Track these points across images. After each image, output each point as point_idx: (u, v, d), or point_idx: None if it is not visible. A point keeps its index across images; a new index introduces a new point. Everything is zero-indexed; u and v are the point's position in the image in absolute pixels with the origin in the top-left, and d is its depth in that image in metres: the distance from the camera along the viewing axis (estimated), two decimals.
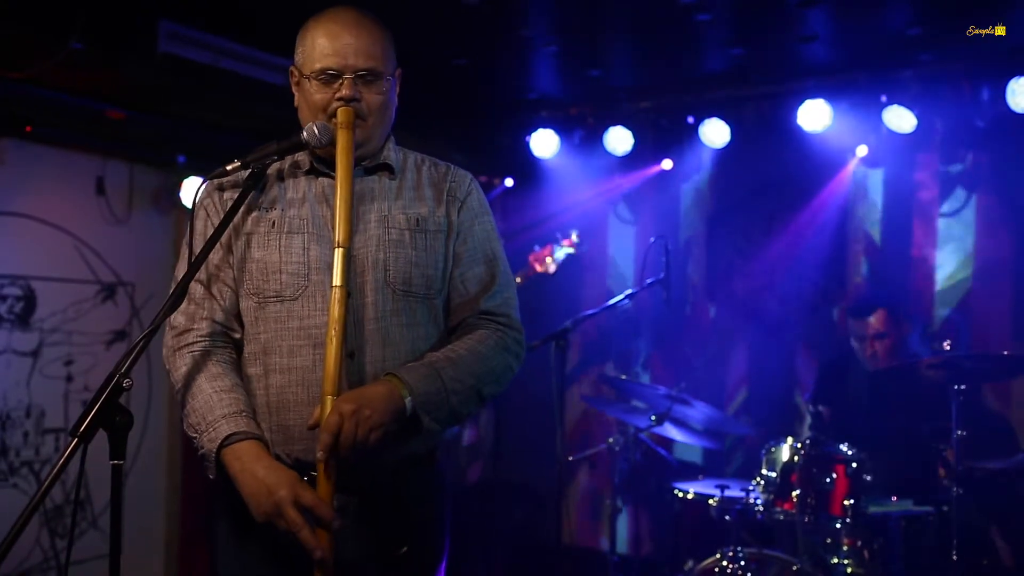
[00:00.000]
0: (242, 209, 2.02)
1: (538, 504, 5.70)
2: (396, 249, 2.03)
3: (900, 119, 4.65)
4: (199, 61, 4.03)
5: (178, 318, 2.02)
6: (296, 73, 2.09)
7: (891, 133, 4.76)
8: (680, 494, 4.17)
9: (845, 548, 3.77)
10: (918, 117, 4.65)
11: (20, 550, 4.39)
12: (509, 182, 6.04)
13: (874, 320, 4.19)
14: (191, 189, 4.58)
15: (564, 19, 4.32)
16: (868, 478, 3.77)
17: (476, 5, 3.95)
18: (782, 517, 3.81)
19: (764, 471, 3.91)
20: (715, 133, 5.12)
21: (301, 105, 2.09)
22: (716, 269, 5.62)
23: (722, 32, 4.39)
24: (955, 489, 3.58)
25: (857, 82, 4.78)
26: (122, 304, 4.97)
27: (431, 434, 1.98)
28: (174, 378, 2.01)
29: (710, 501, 4.02)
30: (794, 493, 3.76)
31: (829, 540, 3.79)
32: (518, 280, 4.51)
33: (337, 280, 1.89)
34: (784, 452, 3.86)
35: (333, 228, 1.96)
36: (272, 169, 2.09)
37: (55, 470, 1.64)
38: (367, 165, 2.09)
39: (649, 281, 3.99)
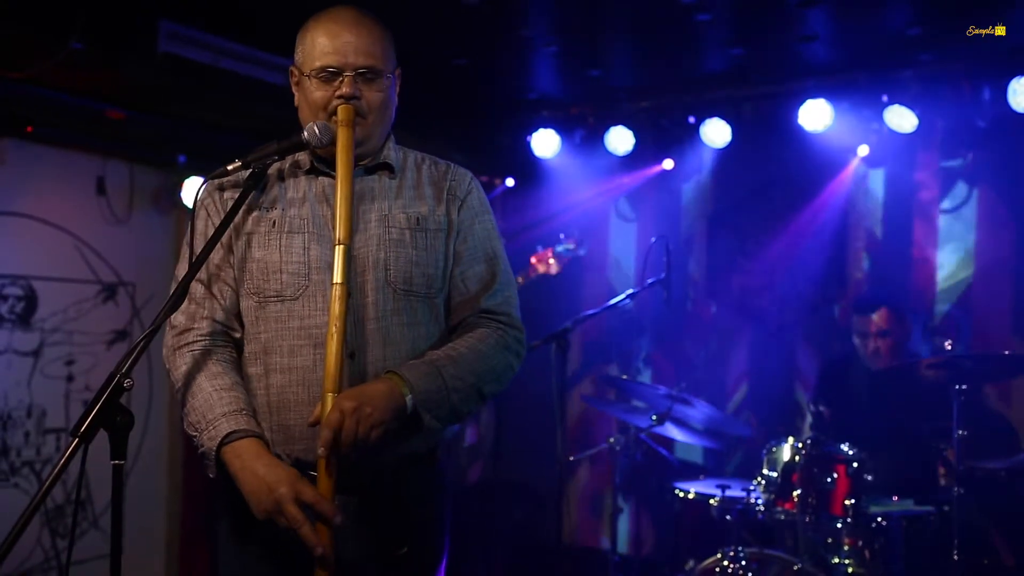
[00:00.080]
0: (243, 209, 2.02)
1: (539, 504, 5.70)
2: (397, 248, 2.03)
3: (901, 119, 4.66)
4: (199, 61, 4.03)
5: (179, 317, 2.02)
6: (296, 73, 2.09)
7: (892, 133, 4.76)
8: (681, 494, 4.17)
9: (846, 548, 3.77)
10: (919, 117, 4.65)
11: (21, 550, 4.39)
12: (510, 182, 6.04)
13: (877, 317, 4.19)
14: (192, 189, 4.59)
15: (564, 19, 4.32)
16: (869, 478, 3.77)
17: (476, 5, 3.95)
18: (783, 517, 3.82)
19: (765, 471, 3.91)
20: (716, 133, 5.12)
21: (301, 104, 2.09)
22: (717, 269, 5.62)
23: (722, 32, 4.39)
24: (956, 489, 3.58)
25: (858, 82, 4.78)
26: (123, 304, 4.97)
27: (431, 432, 1.98)
28: (174, 377, 2.01)
29: (711, 501, 4.03)
30: (795, 493, 3.76)
31: (830, 540, 3.79)
32: (520, 280, 4.50)
33: (338, 277, 1.89)
34: (785, 452, 3.86)
35: (333, 227, 1.96)
36: (273, 169, 2.09)
37: (56, 470, 1.64)
38: (367, 164, 2.09)
39: (650, 281, 3.99)
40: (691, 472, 5.07)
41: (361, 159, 2.07)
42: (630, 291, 4.13)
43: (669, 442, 5.11)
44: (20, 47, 3.64)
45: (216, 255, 2.03)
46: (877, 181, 5.15)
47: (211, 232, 2.00)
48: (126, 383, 1.74)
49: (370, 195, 2.07)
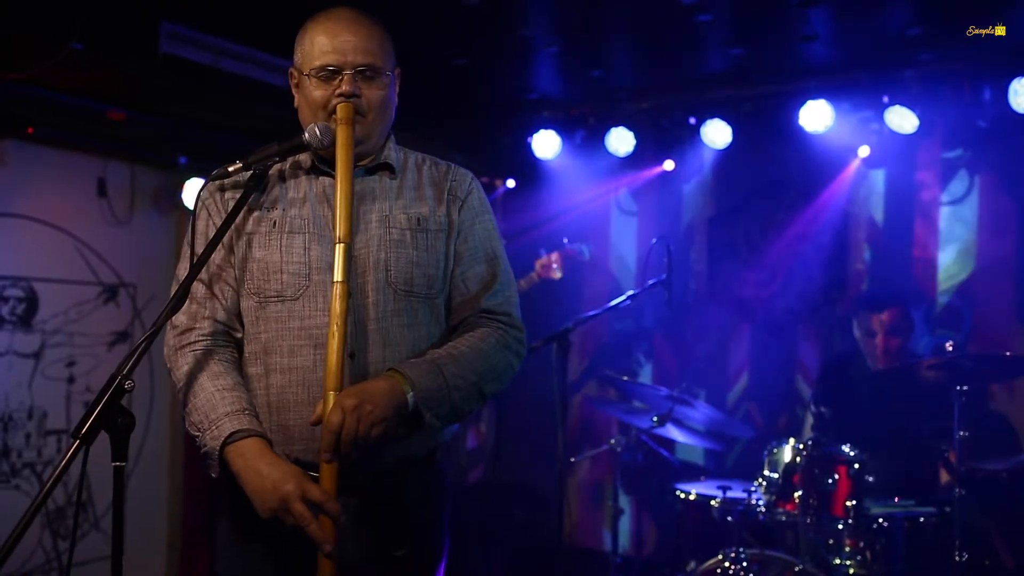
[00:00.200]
0: (244, 209, 2.02)
1: (539, 504, 5.69)
2: (397, 249, 2.03)
3: (902, 119, 4.65)
4: (199, 61, 4.03)
5: (180, 317, 2.02)
6: (296, 74, 2.10)
7: (893, 133, 4.76)
8: (682, 495, 4.17)
9: (847, 549, 3.76)
10: (920, 117, 4.64)
11: (22, 551, 4.39)
12: (510, 183, 6.04)
13: (888, 316, 4.19)
14: (192, 190, 4.59)
15: (565, 19, 4.32)
16: (870, 479, 3.77)
17: (476, 5, 3.95)
18: (784, 518, 3.81)
19: (766, 472, 3.91)
20: (716, 134, 5.12)
21: (301, 105, 2.09)
22: (718, 269, 5.62)
23: (723, 32, 4.39)
24: (957, 490, 3.58)
25: (858, 82, 4.78)
26: (124, 305, 4.97)
27: (432, 431, 1.98)
28: (176, 377, 2.01)
29: (712, 502, 4.02)
30: (796, 494, 3.75)
31: (831, 541, 3.78)
32: (522, 284, 4.48)
33: (338, 276, 1.89)
34: (786, 453, 3.85)
35: (334, 228, 1.96)
36: (274, 169, 2.09)
37: (57, 472, 1.64)
38: (368, 164, 2.09)
39: (651, 282, 3.99)
40: (692, 473, 5.07)
41: (361, 158, 2.07)
42: (631, 292, 4.13)
43: (670, 443, 5.11)
44: (20, 48, 3.65)
45: (217, 255, 2.03)
46: (878, 181, 5.15)
47: (212, 232, 2.00)
48: (127, 384, 1.73)
49: (371, 195, 2.07)
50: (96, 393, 1.72)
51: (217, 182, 2.09)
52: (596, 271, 5.88)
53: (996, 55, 4.39)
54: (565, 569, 5.20)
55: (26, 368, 4.56)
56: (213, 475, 1.96)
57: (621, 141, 5.35)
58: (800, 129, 4.83)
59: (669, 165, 5.58)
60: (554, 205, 5.88)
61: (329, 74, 2.01)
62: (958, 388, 3.58)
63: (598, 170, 5.66)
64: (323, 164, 2.07)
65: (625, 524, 5.48)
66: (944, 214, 4.94)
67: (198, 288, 2.03)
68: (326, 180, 2.07)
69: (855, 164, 5.11)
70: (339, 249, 1.91)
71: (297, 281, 2.00)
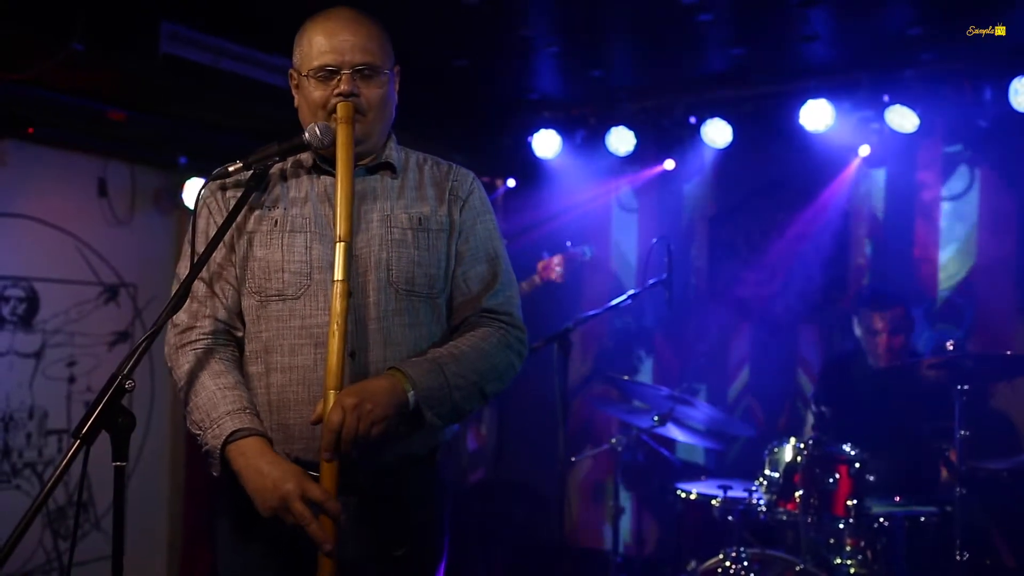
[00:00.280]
0: (245, 208, 2.02)
1: (540, 504, 5.69)
2: (399, 248, 2.03)
3: (902, 119, 4.65)
4: (199, 62, 4.04)
5: (181, 316, 2.02)
6: (295, 75, 2.10)
7: (893, 133, 4.76)
8: (683, 494, 4.17)
9: (848, 548, 3.76)
10: (920, 117, 4.64)
11: (23, 551, 4.39)
12: (511, 183, 6.04)
13: (890, 316, 4.19)
14: (193, 190, 4.59)
15: (565, 19, 4.32)
16: (871, 478, 3.77)
17: (476, 5, 3.95)
18: (785, 517, 3.81)
19: (767, 471, 3.91)
20: (717, 133, 5.12)
21: (301, 106, 2.10)
22: (719, 269, 5.62)
23: (723, 32, 4.39)
24: (958, 489, 3.58)
25: (859, 82, 4.78)
26: (124, 305, 4.97)
27: (432, 430, 1.98)
28: (177, 376, 2.01)
29: (713, 501, 4.02)
30: (797, 493, 3.75)
31: (832, 540, 3.78)
32: (524, 287, 4.47)
33: (339, 275, 1.89)
34: (787, 452, 3.85)
35: (335, 227, 1.96)
36: (275, 168, 2.09)
37: (58, 472, 1.64)
38: (369, 164, 2.09)
39: (651, 282, 3.99)
40: (693, 473, 5.07)
41: (362, 158, 2.07)
42: (631, 292, 4.13)
43: (671, 443, 5.11)
44: (21, 48, 3.65)
45: (218, 254, 2.03)
46: (878, 181, 5.15)
47: (213, 231, 2.00)
48: (128, 384, 1.73)
49: (372, 195, 2.07)
50: (97, 393, 1.72)
51: (218, 181, 2.09)
52: (597, 271, 5.88)
53: (996, 55, 4.40)
54: (566, 568, 5.20)
55: (27, 368, 4.56)
56: (214, 474, 1.96)
57: (621, 141, 5.34)
58: (801, 128, 4.82)
59: (670, 165, 5.58)
60: (554, 205, 5.88)
61: (328, 74, 2.01)
62: (959, 387, 3.58)
63: (599, 170, 5.66)
64: (324, 163, 2.07)
65: (626, 523, 5.48)
66: (945, 211, 4.94)
67: (199, 287, 2.03)
68: (327, 179, 2.07)
69: (856, 163, 5.11)
70: (339, 248, 1.91)
71: (298, 280, 2.00)
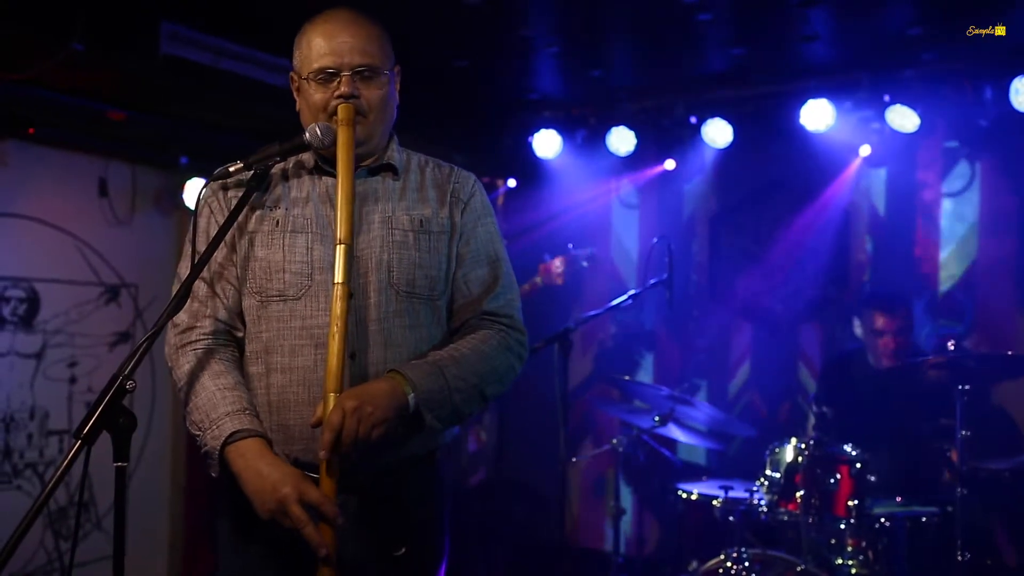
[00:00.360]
0: (246, 208, 2.02)
1: (541, 504, 5.69)
2: (400, 250, 2.03)
3: (903, 118, 4.65)
4: (200, 62, 4.03)
5: (181, 316, 2.02)
6: (296, 78, 2.10)
7: (894, 132, 4.76)
8: (684, 495, 4.17)
9: (849, 549, 3.76)
10: (921, 116, 4.64)
11: (24, 552, 4.39)
12: (511, 183, 6.04)
13: (892, 316, 4.19)
14: (193, 190, 4.59)
15: (565, 19, 4.32)
16: (872, 478, 3.77)
17: (476, 5, 3.95)
18: (786, 518, 3.81)
19: (768, 472, 3.91)
20: (717, 133, 5.12)
21: (302, 109, 2.09)
22: (719, 269, 5.62)
23: (723, 32, 4.39)
24: (960, 489, 3.58)
25: (859, 82, 4.77)
26: (125, 306, 4.96)
27: (432, 433, 1.98)
28: (177, 376, 2.01)
29: (714, 502, 4.02)
30: (798, 494, 3.75)
31: (833, 541, 3.78)
32: (524, 288, 4.47)
33: (339, 277, 1.89)
34: (788, 453, 3.85)
35: (336, 228, 1.96)
36: (277, 168, 2.09)
37: (59, 472, 1.64)
38: (370, 165, 2.09)
39: (652, 282, 3.99)
40: (694, 473, 5.07)
41: (364, 159, 2.07)
42: (632, 291, 4.13)
43: (672, 443, 5.11)
44: (21, 48, 3.65)
45: (219, 254, 2.03)
46: (879, 180, 5.15)
47: (214, 231, 2.00)
48: (128, 385, 1.73)
49: (373, 196, 2.07)
50: (98, 393, 1.72)
51: (219, 181, 2.08)
52: (597, 271, 5.86)
53: (996, 55, 4.39)
54: (566, 569, 5.20)
55: (28, 368, 4.56)
56: (213, 474, 1.96)
57: (622, 141, 5.34)
58: (801, 128, 4.82)
59: (670, 164, 5.58)
60: (555, 205, 5.88)
61: (327, 76, 2.01)
62: (960, 387, 3.58)
63: (599, 170, 5.66)
64: (326, 164, 2.07)
65: (627, 524, 5.47)
66: (945, 210, 4.94)
67: (200, 287, 2.03)
68: (329, 180, 2.07)
69: (856, 163, 5.10)
70: (340, 250, 1.90)
71: (299, 280, 2.00)
